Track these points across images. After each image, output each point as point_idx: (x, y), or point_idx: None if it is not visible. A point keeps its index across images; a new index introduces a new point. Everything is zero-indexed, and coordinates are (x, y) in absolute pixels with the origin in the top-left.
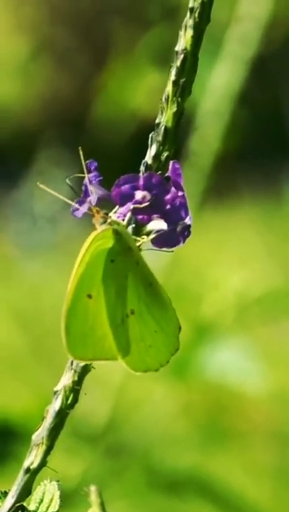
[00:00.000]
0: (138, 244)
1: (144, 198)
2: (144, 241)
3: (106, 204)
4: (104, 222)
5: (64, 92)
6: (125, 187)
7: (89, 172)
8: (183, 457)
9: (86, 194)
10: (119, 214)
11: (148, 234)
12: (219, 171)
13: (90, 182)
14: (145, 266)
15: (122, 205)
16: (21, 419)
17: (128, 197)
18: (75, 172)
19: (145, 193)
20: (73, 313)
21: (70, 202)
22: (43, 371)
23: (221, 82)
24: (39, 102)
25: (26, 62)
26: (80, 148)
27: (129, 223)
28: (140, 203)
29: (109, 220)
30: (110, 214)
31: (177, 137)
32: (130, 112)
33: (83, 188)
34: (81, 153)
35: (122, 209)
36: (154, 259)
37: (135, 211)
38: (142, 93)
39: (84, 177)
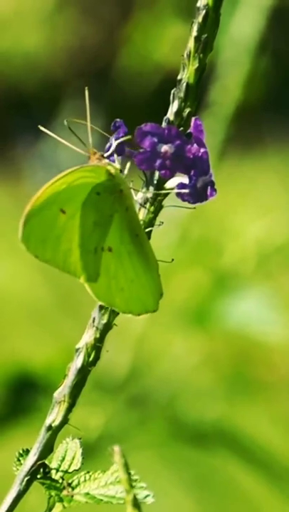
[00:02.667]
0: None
1: (166, 152)
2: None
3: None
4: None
5: (89, 43)
6: (149, 135)
7: (116, 129)
8: (207, 408)
9: (109, 149)
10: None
11: (170, 189)
12: (242, 121)
13: (115, 139)
14: (135, 217)
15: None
16: (44, 371)
17: (151, 145)
18: (99, 123)
19: (167, 147)
20: (38, 215)
21: (84, 152)
22: (68, 323)
23: (241, 30)
24: (65, 53)
25: (52, 13)
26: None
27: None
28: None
29: (104, 161)
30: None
31: (198, 93)
32: (155, 64)
33: (110, 144)
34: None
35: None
36: (175, 209)
37: (159, 166)
38: (166, 45)
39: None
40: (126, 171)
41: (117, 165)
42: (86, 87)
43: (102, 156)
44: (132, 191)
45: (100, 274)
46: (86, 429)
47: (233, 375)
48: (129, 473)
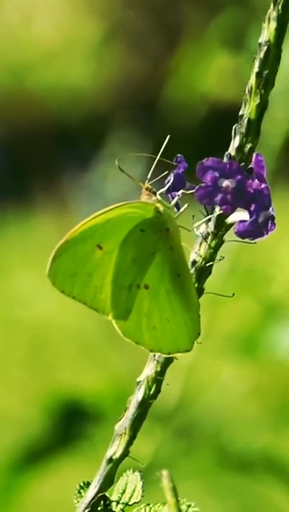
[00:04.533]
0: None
1: (227, 187)
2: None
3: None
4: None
5: (136, 75)
6: (210, 170)
7: (178, 164)
8: (254, 438)
9: (173, 184)
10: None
11: (230, 225)
12: None
13: (176, 175)
14: (179, 257)
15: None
16: (92, 400)
17: (212, 180)
18: (144, 159)
19: (228, 182)
20: (71, 250)
21: (140, 184)
22: (114, 353)
23: None
24: (111, 85)
25: (99, 45)
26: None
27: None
28: (213, 191)
29: (154, 197)
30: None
31: (260, 129)
32: (201, 95)
33: (170, 179)
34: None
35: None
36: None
37: (220, 201)
38: (213, 76)
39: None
40: (182, 208)
41: (169, 202)
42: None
43: (154, 192)
44: (181, 229)
45: (131, 311)
46: (136, 458)
47: (280, 406)
48: (177, 498)
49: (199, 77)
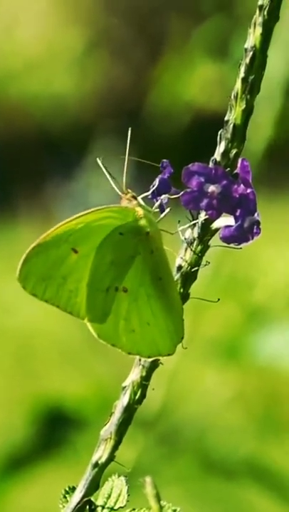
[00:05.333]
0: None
1: (212, 192)
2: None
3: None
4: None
5: (120, 83)
6: (196, 175)
7: (163, 169)
8: (237, 445)
9: (158, 189)
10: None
11: (216, 230)
12: (273, 159)
13: (162, 180)
14: (161, 260)
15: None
16: (75, 406)
17: (198, 185)
18: (129, 163)
19: (214, 187)
20: (42, 254)
21: (119, 192)
22: (98, 360)
23: (274, 67)
24: (95, 94)
25: (82, 54)
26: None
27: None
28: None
29: (135, 202)
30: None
31: (246, 134)
32: (185, 104)
33: (155, 183)
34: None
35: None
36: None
37: (206, 206)
38: (196, 85)
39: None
40: (165, 213)
41: (149, 206)
42: (129, 128)
43: (134, 196)
44: (166, 234)
45: (108, 314)
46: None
47: (263, 411)
48: (160, 504)
49: (183, 85)
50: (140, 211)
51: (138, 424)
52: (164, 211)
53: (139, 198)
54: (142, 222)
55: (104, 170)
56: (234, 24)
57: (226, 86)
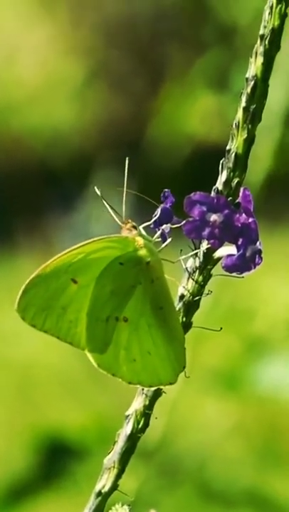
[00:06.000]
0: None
1: (214, 221)
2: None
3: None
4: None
5: (119, 115)
6: (198, 204)
7: (165, 199)
8: (237, 475)
9: (160, 219)
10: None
11: (218, 259)
12: (272, 190)
13: (164, 209)
14: (162, 290)
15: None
16: (76, 437)
17: (200, 214)
18: (130, 195)
19: (216, 216)
20: (42, 284)
21: (119, 222)
22: (98, 392)
23: (274, 97)
24: (95, 125)
25: (82, 85)
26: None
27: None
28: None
29: (135, 232)
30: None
31: (247, 164)
32: (185, 135)
33: (157, 213)
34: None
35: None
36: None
37: (208, 235)
38: (196, 116)
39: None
40: (166, 243)
41: (151, 236)
42: (127, 158)
43: (134, 226)
44: (168, 263)
45: (108, 343)
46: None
47: (263, 441)
48: None
49: (183, 117)
50: (140, 241)
51: (139, 454)
52: (165, 240)
53: (140, 228)
54: (143, 251)
55: (103, 200)
56: (234, 56)
57: (226, 118)
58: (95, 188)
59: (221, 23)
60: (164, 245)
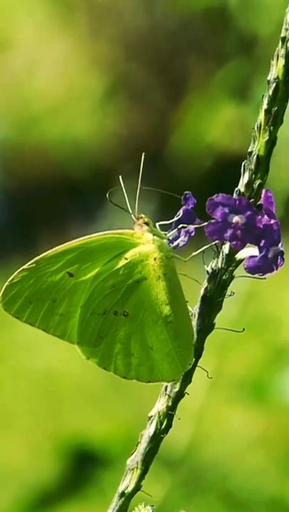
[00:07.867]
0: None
1: (237, 222)
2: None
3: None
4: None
5: (140, 128)
6: (220, 206)
7: (186, 201)
8: (260, 486)
9: (182, 220)
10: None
11: (240, 261)
12: None
13: (186, 210)
14: (170, 286)
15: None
16: (101, 445)
17: (222, 216)
18: (153, 207)
19: (238, 217)
20: (33, 276)
21: (134, 218)
22: (121, 401)
23: None
24: (115, 138)
25: (102, 98)
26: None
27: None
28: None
29: (146, 227)
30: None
31: (269, 165)
32: (207, 147)
33: (179, 214)
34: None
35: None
36: (232, 285)
37: (230, 237)
38: (218, 127)
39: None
40: (182, 243)
41: (161, 232)
42: (143, 153)
43: (146, 222)
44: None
45: (102, 337)
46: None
47: (287, 452)
48: None
49: (204, 128)
50: (149, 236)
51: (165, 463)
52: (183, 240)
53: (157, 224)
54: (150, 247)
55: (123, 190)
56: (255, 66)
57: (247, 128)
58: (119, 177)
59: (242, 33)
60: (175, 243)
